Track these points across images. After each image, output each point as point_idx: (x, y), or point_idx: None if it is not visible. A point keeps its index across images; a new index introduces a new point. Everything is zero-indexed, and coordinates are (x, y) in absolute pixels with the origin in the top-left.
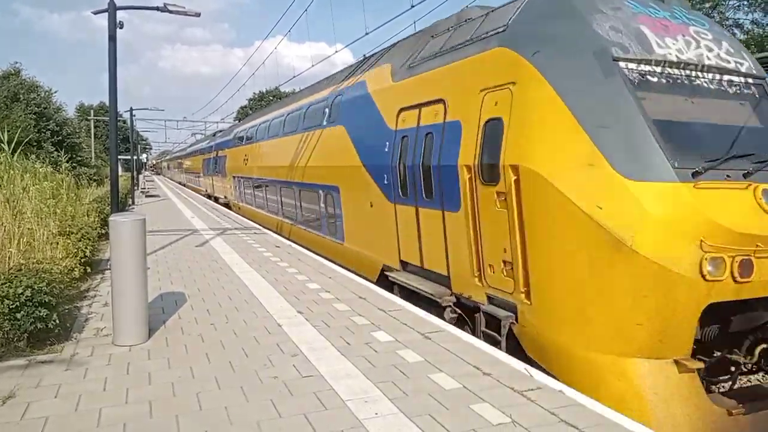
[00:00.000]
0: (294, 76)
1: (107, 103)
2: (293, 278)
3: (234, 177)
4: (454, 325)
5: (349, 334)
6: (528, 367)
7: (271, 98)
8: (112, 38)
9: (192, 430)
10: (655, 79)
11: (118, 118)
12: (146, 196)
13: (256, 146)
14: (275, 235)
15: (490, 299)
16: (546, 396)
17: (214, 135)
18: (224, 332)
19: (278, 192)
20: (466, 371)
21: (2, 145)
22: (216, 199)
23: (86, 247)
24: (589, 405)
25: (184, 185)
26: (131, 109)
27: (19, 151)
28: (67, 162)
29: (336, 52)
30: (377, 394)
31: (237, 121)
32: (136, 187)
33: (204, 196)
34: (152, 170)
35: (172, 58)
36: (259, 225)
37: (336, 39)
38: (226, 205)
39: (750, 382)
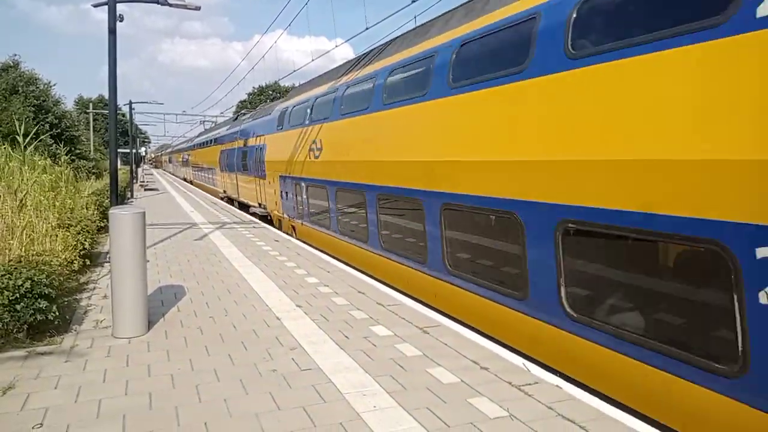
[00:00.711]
0: (294, 71)
1: (106, 96)
2: (292, 272)
3: (286, 179)
4: None
5: (347, 328)
6: (526, 362)
7: (270, 92)
8: (112, 31)
9: (191, 422)
10: None
11: (117, 112)
12: (145, 190)
13: (342, 126)
14: (274, 230)
15: None
16: (543, 390)
17: (235, 118)
18: (223, 325)
19: (438, 217)
20: (464, 365)
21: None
22: (244, 207)
23: (85, 240)
24: (586, 400)
25: (189, 182)
26: (130, 103)
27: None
28: (66, 155)
29: (336, 47)
30: (376, 388)
31: (235, 115)
32: (135, 181)
33: (222, 199)
34: (151, 164)
35: (171, 52)
36: (363, 271)
37: (336, 33)
38: (265, 219)
39: None
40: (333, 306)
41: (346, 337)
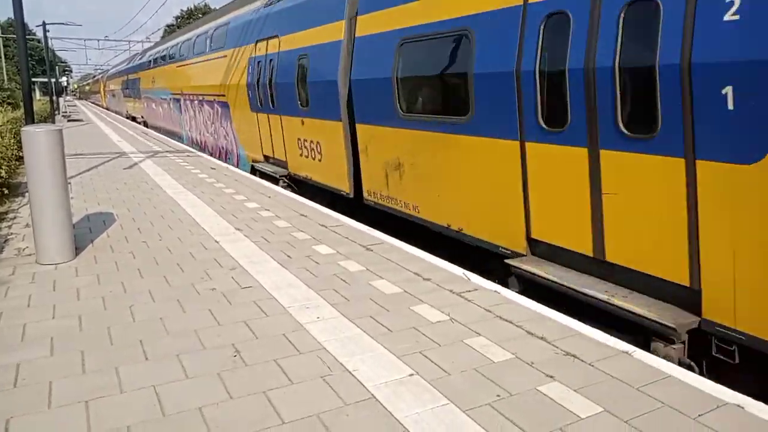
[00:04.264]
0: None
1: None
2: (230, 198)
3: None
4: None
5: (289, 248)
6: (466, 271)
7: (200, 15)
8: None
9: (125, 341)
10: None
11: (32, 37)
12: (68, 121)
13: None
14: (209, 157)
15: None
16: (482, 296)
17: None
18: (157, 250)
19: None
20: (407, 277)
21: None
22: None
23: (0, 167)
24: (523, 302)
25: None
26: (44, 24)
27: None
28: None
29: None
30: (319, 302)
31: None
32: (56, 111)
33: None
34: (74, 95)
35: None
36: None
37: None
38: None
39: None
40: (274, 228)
41: (289, 256)
